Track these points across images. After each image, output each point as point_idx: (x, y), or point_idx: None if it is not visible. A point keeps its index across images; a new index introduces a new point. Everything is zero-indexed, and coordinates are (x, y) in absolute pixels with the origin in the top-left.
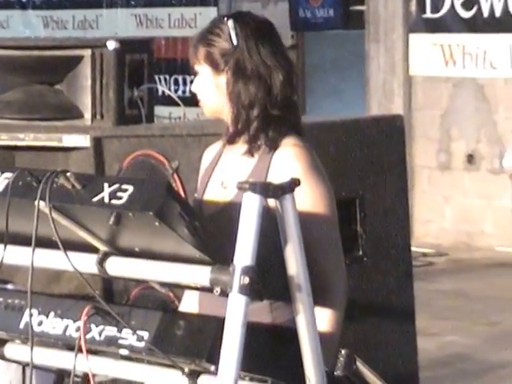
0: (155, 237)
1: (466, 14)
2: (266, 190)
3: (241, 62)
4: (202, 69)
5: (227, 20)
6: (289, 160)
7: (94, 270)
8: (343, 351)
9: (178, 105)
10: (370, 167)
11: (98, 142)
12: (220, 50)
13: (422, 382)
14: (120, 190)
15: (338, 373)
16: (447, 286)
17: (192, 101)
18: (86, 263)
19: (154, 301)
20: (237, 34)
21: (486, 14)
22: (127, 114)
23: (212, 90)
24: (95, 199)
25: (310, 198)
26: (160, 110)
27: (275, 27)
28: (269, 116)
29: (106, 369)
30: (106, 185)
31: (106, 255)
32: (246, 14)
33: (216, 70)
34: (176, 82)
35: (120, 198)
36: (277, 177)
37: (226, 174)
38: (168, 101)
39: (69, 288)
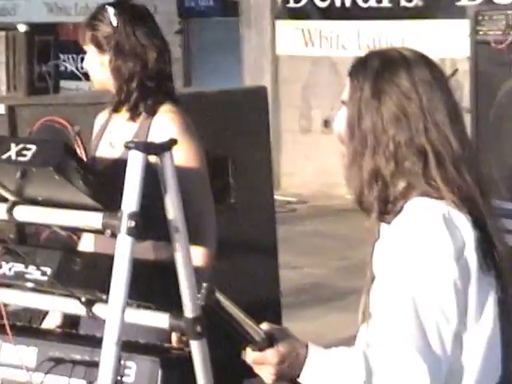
0: (56, 188)
1: (322, 4)
2: (148, 148)
3: (120, 43)
4: (90, 49)
5: (107, 7)
6: (165, 123)
7: (5, 216)
8: (204, 284)
9: (84, 79)
10: (240, 130)
11: (11, 110)
12: (103, 33)
13: (286, 306)
14: (25, 148)
15: (200, 302)
16: (308, 227)
17: None
18: None
19: (59, 242)
20: (116, 20)
21: (338, 4)
22: (36, 86)
23: (98, 67)
24: (4, 157)
25: (184, 155)
26: (68, 84)
27: (151, 13)
28: (146, 87)
29: (16, 299)
30: (13, 145)
31: (14, 204)
32: (125, 2)
33: (100, 50)
34: (82, 60)
35: (25, 156)
36: (156, 138)
37: (113, 135)
38: (75, 76)
39: None
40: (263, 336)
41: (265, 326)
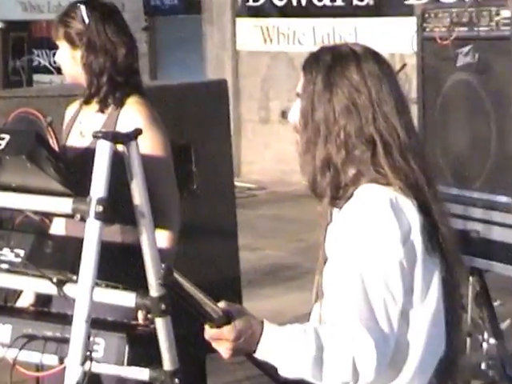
0: (28, 175)
1: (279, 3)
2: (115, 137)
3: (91, 40)
4: (62, 44)
5: (79, 5)
6: (132, 115)
7: None
8: (163, 265)
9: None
10: (202, 120)
11: None
12: (75, 29)
13: (246, 285)
14: None
15: (159, 282)
16: (267, 212)
17: None
18: None
19: (32, 226)
20: (88, 17)
21: (294, 2)
22: (11, 79)
23: (70, 62)
24: None
25: (150, 144)
26: (42, 78)
27: (120, 11)
28: (115, 81)
29: None
30: None
31: None
32: (95, 1)
33: (73, 45)
34: (54, 55)
35: None
36: (124, 128)
37: (83, 125)
38: (48, 70)
39: None
40: (220, 314)
41: (222, 304)
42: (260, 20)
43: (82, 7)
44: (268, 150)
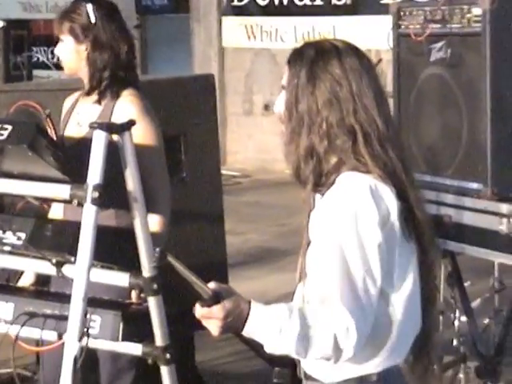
0: (29, 163)
1: (262, 3)
2: (111, 128)
3: (98, 37)
4: (66, 38)
5: (86, 3)
6: (127, 106)
7: None
8: (157, 249)
9: (54, 69)
10: (191, 112)
11: None
12: (81, 25)
13: (231, 267)
14: (2, 128)
15: (153, 264)
16: (250, 199)
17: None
18: None
19: (33, 211)
20: (95, 14)
21: (276, 2)
22: (12, 74)
23: (73, 56)
24: None
25: (143, 134)
26: (40, 73)
27: (119, 9)
28: (116, 76)
29: None
30: None
31: None
32: None
33: (77, 40)
34: (52, 52)
35: (1, 135)
36: (119, 119)
37: (81, 116)
38: (46, 66)
39: None
40: (210, 294)
41: (212, 285)
42: (244, 18)
43: (89, 5)
44: (252, 140)
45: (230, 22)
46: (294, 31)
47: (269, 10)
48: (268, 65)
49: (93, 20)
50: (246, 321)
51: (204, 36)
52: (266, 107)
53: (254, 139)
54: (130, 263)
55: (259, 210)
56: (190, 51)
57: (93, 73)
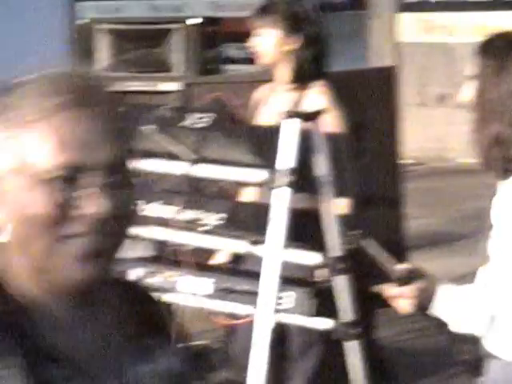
0: (227, 149)
1: None
2: (304, 116)
3: (307, 34)
4: (269, 32)
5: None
6: (317, 96)
7: (187, 172)
8: (350, 232)
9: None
10: (373, 102)
11: (188, 87)
12: (289, 20)
13: (408, 249)
14: (204, 117)
15: (346, 247)
16: (425, 185)
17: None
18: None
19: (228, 194)
20: (310, 13)
21: None
22: (206, 68)
23: (274, 49)
24: (186, 123)
25: (332, 122)
26: (231, 67)
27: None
28: (310, 69)
29: (194, 241)
30: (194, 114)
31: (193, 162)
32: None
33: (283, 34)
34: (241, 48)
35: (206, 123)
36: (309, 108)
37: (274, 105)
38: (237, 60)
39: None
40: (403, 274)
41: (404, 265)
42: (419, 14)
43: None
44: (425, 130)
45: (405, 17)
46: (468, 26)
47: (443, 6)
48: (442, 58)
49: (310, 18)
50: (433, 300)
51: (380, 31)
52: (440, 99)
53: (427, 129)
54: (315, 243)
55: (434, 195)
56: (366, 46)
57: (295, 66)
